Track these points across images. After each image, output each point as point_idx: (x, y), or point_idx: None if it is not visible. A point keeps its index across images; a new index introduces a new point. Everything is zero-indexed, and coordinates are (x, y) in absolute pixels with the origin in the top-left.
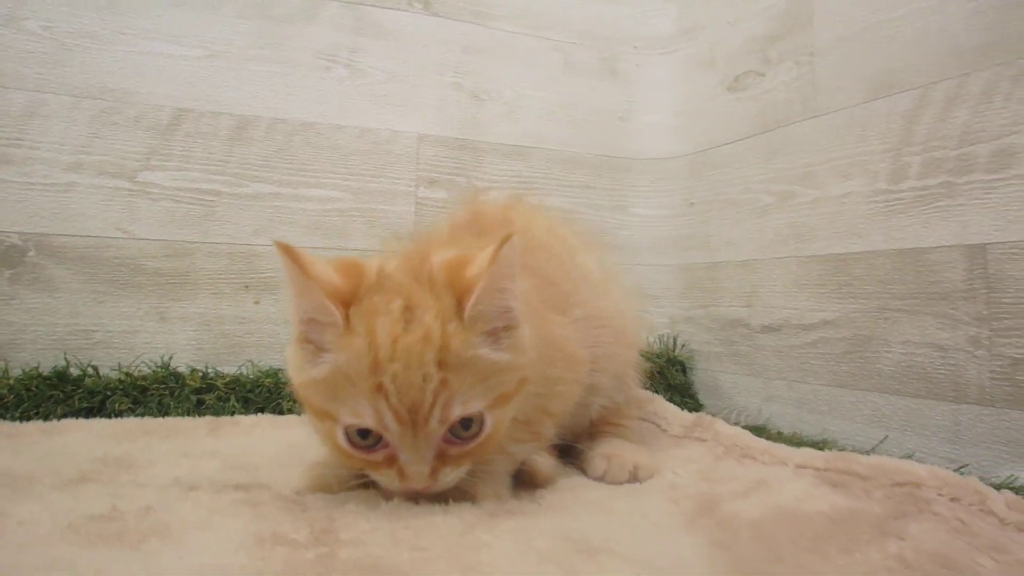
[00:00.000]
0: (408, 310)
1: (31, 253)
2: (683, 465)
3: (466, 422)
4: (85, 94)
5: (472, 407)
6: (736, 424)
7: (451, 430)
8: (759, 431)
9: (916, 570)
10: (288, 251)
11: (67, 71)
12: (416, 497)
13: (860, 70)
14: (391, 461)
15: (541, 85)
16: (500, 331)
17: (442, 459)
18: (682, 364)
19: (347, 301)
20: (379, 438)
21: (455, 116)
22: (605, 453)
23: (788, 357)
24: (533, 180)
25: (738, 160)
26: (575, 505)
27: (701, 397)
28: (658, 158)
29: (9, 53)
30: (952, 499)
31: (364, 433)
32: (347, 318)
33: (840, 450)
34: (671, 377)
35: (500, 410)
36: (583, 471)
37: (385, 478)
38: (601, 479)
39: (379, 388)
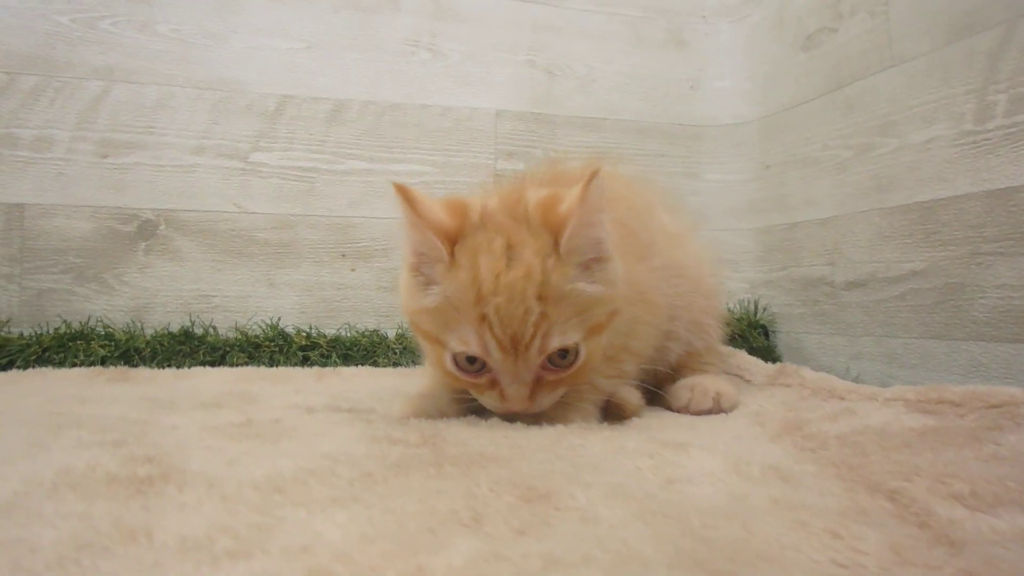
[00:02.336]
0: (510, 248)
1: (162, 227)
2: (767, 400)
3: (563, 351)
4: (206, 86)
5: (569, 338)
6: None
7: (549, 358)
8: None
9: (1010, 461)
10: (402, 190)
11: (191, 67)
12: (513, 419)
13: (937, 14)
14: (493, 384)
15: (611, 59)
16: (592, 263)
17: (539, 384)
18: (764, 328)
19: (453, 238)
20: (484, 363)
21: (529, 92)
22: (688, 384)
23: (875, 312)
24: (607, 151)
25: (813, 118)
26: (662, 425)
27: (785, 359)
28: (730, 123)
29: (144, 53)
30: None
31: (471, 359)
32: (452, 254)
33: None
34: (753, 340)
35: (594, 340)
36: (668, 407)
37: (488, 399)
38: (685, 408)
39: (483, 319)
